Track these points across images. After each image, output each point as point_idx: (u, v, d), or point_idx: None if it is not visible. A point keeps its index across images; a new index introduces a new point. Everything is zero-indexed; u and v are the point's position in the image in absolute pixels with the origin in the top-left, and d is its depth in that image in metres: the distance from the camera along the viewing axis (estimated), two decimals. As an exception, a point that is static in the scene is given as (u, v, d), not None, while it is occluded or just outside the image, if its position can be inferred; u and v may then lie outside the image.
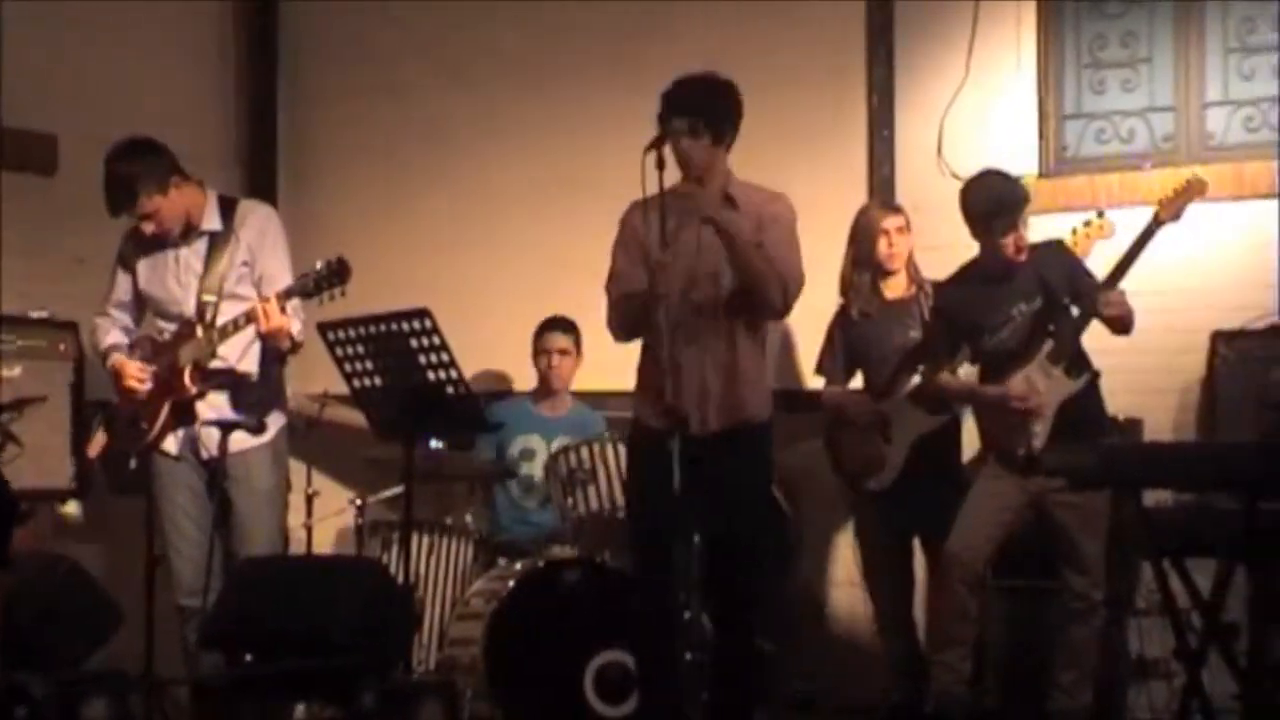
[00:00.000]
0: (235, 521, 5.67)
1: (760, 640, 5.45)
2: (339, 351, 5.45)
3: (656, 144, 4.98)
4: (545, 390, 6.98)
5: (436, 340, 5.26)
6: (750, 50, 6.95)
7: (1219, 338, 6.31)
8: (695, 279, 5.22)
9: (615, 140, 6.93)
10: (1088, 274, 5.74)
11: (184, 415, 5.62)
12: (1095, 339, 5.83)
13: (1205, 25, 6.74)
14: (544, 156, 7.52)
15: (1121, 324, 5.69)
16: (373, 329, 5.34)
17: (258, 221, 5.79)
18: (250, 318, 5.52)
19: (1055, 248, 5.87)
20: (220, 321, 5.62)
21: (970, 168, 6.35)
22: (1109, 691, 5.95)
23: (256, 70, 8.02)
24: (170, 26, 7.54)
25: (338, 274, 5.43)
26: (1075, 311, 5.74)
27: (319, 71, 8.03)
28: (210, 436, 5.61)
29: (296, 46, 8.08)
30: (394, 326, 5.30)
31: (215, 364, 5.64)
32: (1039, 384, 5.74)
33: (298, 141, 8.03)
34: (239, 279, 5.74)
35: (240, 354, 5.71)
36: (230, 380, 5.68)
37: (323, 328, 5.50)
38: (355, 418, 5.77)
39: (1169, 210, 5.67)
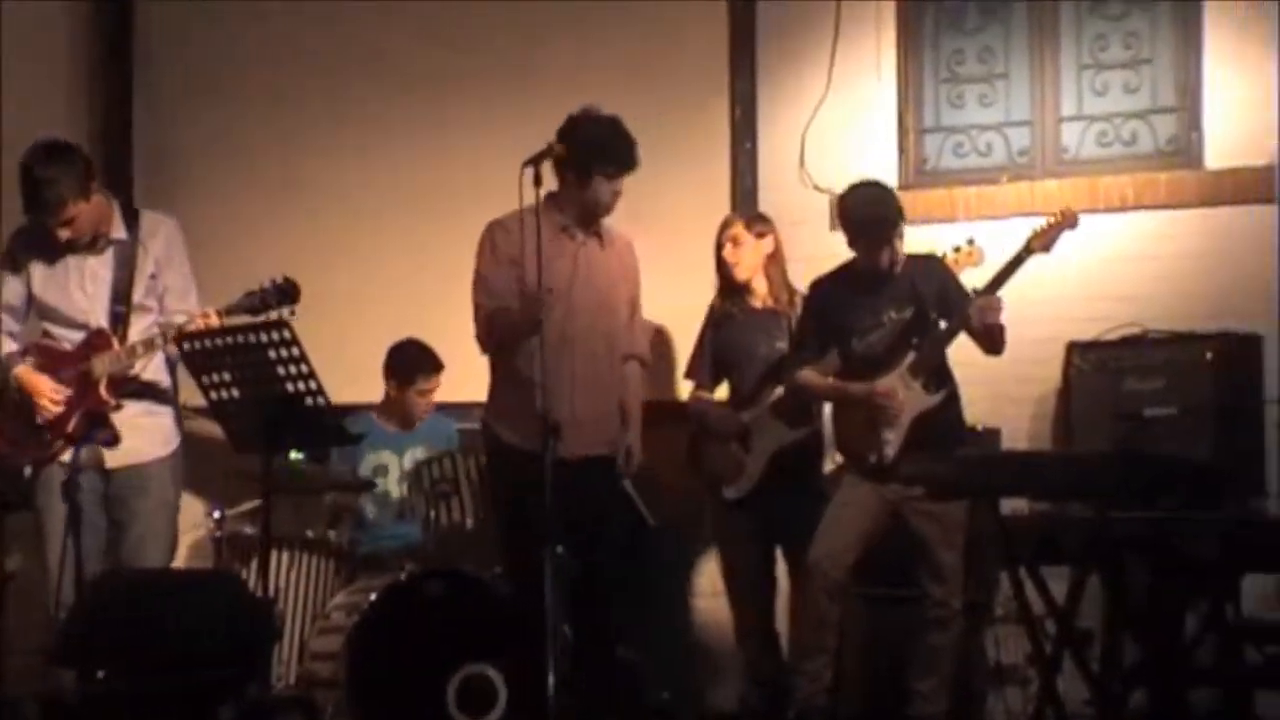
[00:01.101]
0: (131, 534, 5.63)
1: (623, 649, 5.46)
2: (196, 363, 5.37)
3: (537, 160, 5.00)
4: (401, 413, 6.93)
5: (295, 351, 5.20)
6: (615, 60, 7.01)
7: (1074, 349, 6.39)
8: (572, 307, 5.28)
9: (480, 148, 7.06)
10: (961, 290, 5.79)
11: (95, 427, 5.53)
12: (956, 349, 5.89)
13: (1060, 42, 6.85)
14: (407, 164, 7.48)
15: (991, 339, 5.74)
16: (230, 340, 5.26)
17: (166, 234, 5.73)
18: (177, 334, 5.40)
19: (932, 261, 5.93)
20: (132, 334, 5.56)
21: (832, 180, 6.42)
22: (967, 698, 6.02)
23: (111, 74, 7.86)
24: (22, 28, 7.31)
25: (286, 294, 5.38)
26: (943, 326, 5.79)
27: (176, 74, 7.88)
28: (113, 448, 5.57)
29: (152, 49, 7.93)
30: (252, 338, 5.22)
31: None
32: (898, 393, 5.80)
33: (154, 147, 7.88)
34: (146, 291, 5.67)
35: (147, 364, 5.66)
36: (146, 391, 5.63)
37: (179, 338, 5.42)
38: (213, 430, 5.69)
39: (1041, 240, 5.74)
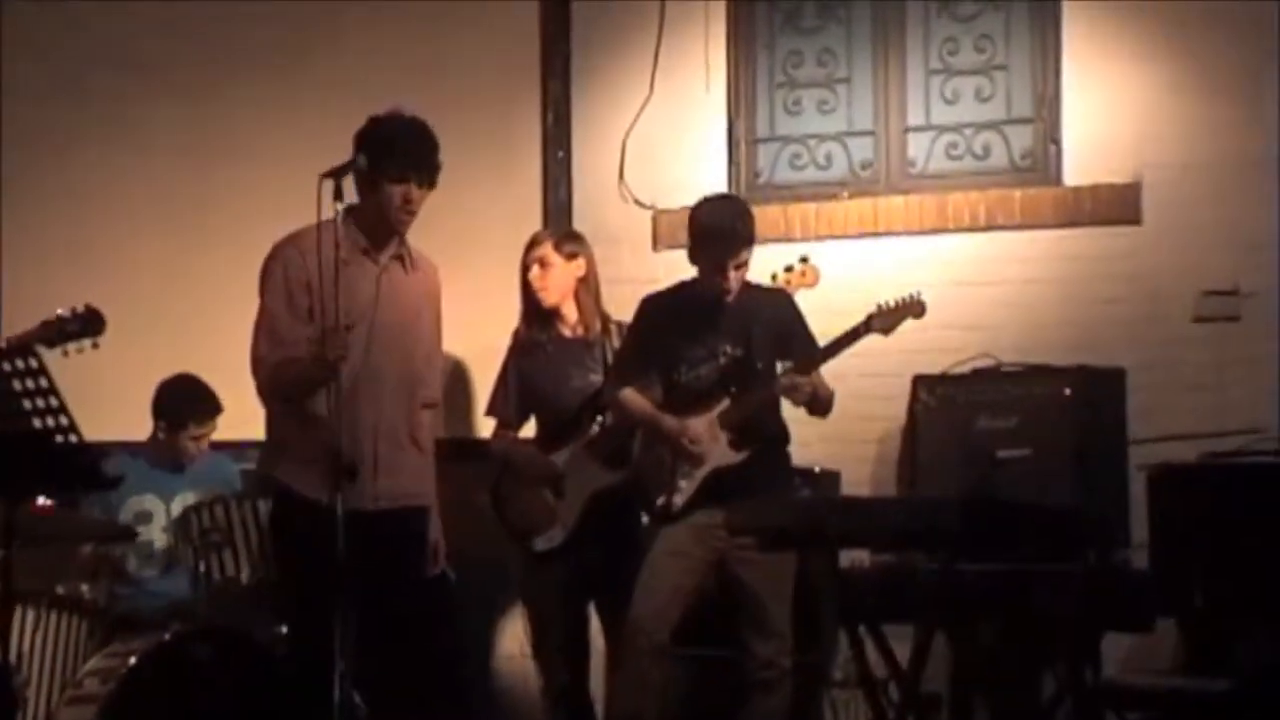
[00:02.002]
0: None
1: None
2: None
3: (338, 173, 4.94)
4: (170, 454, 6.84)
5: (44, 382, 5.08)
6: (409, 58, 7.01)
7: (920, 383, 6.45)
8: (374, 339, 5.20)
9: (256, 158, 7.05)
10: (806, 339, 5.82)
11: None
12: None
13: (906, 44, 6.96)
14: (181, 172, 7.43)
15: (810, 409, 5.78)
16: (-34, 368, 5.15)
17: None
18: None
19: (779, 297, 5.93)
20: None
21: (655, 194, 6.46)
22: (801, 769, 6.04)
23: None
24: None
25: (89, 323, 5.24)
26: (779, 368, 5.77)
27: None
28: None
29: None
30: (-9, 366, 5.12)
31: None
32: (703, 441, 5.82)
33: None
34: None
35: None
36: None
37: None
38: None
39: (881, 322, 5.75)
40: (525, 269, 6.33)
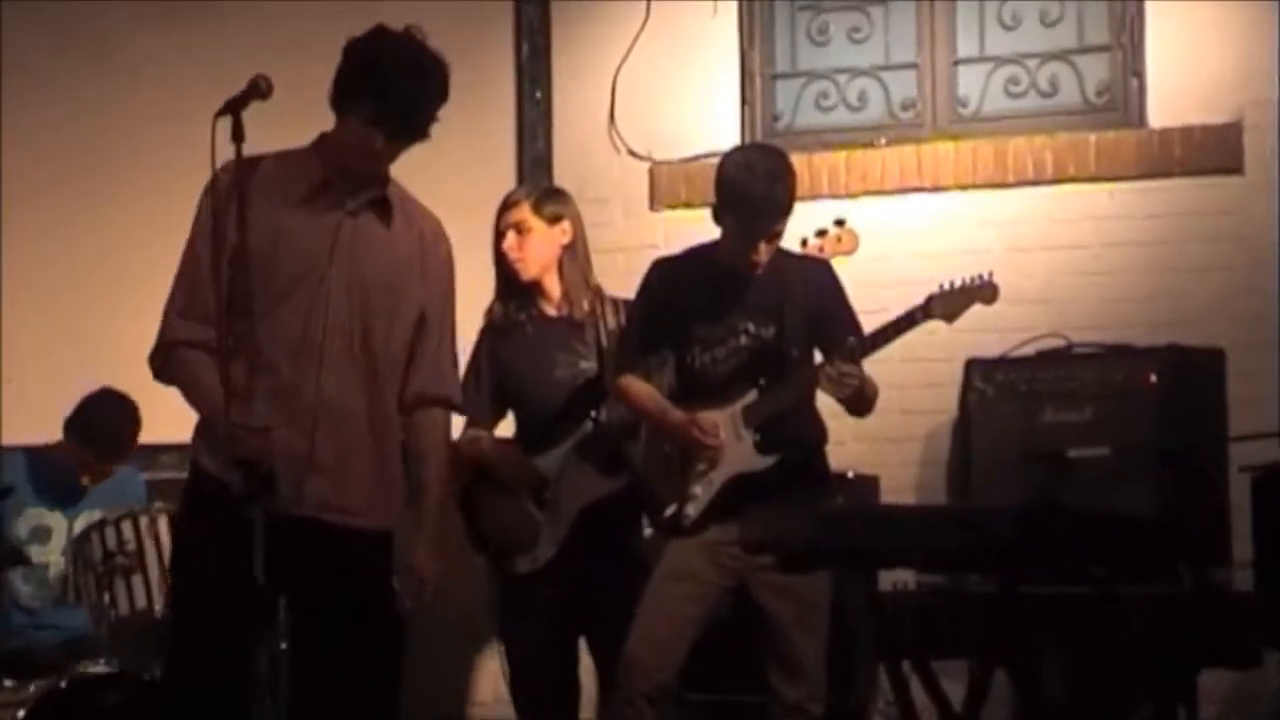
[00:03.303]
0: None
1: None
2: None
3: (236, 106, 4.75)
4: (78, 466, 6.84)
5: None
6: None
7: (974, 368, 6.46)
8: (326, 300, 4.99)
9: (166, 101, 7.00)
10: (848, 317, 5.75)
11: None
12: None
13: (957, -41, 6.99)
14: (70, 124, 7.40)
15: (852, 406, 5.72)
16: None
17: None
18: None
19: (817, 269, 5.87)
20: None
21: (651, 141, 6.46)
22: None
23: None
24: None
25: None
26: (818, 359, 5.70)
27: None
28: None
29: None
30: None
31: None
32: (721, 437, 5.74)
33: None
34: None
35: None
36: None
37: None
38: None
39: (944, 306, 5.63)
40: (498, 236, 6.25)
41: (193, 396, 4.96)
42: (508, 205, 6.26)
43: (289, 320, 4.93)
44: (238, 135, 4.76)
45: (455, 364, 5.30)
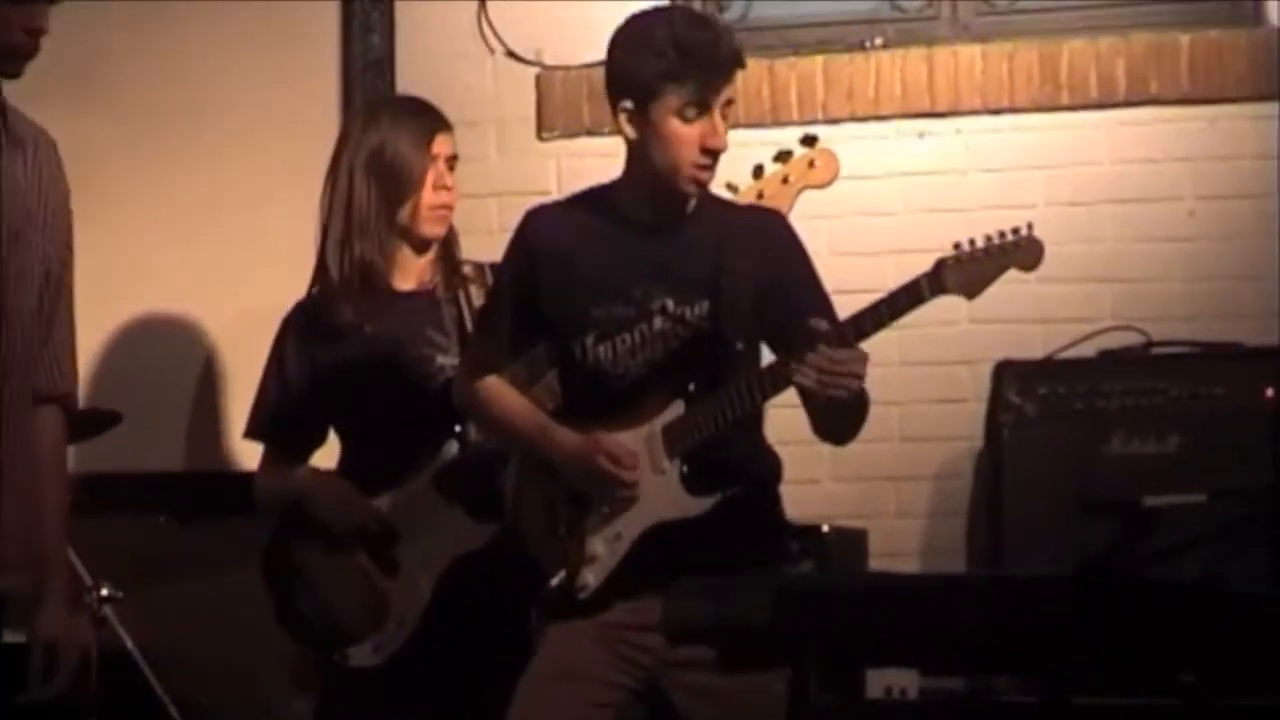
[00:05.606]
0: None
1: None
2: None
3: None
4: None
5: None
6: None
7: (1008, 374, 6.51)
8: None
9: None
10: (815, 294, 5.57)
11: None
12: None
13: None
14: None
15: (837, 419, 5.49)
16: None
17: None
18: None
19: (767, 224, 5.66)
20: None
21: (541, 39, 6.83)
22: None
23: None
24: None
25: None
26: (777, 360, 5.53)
27: None
28: None
29: None
30: None
31: None
32: (639, 468, 5.55)
33: None
34: None
35: None
36: None
37: None
38: None
39: (959, 276, 5.39)
40: (411, 172, 6.20)
41: None
42: (437, 127, 6.23)
43: None
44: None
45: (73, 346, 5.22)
